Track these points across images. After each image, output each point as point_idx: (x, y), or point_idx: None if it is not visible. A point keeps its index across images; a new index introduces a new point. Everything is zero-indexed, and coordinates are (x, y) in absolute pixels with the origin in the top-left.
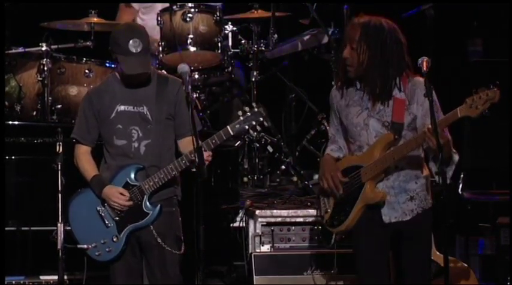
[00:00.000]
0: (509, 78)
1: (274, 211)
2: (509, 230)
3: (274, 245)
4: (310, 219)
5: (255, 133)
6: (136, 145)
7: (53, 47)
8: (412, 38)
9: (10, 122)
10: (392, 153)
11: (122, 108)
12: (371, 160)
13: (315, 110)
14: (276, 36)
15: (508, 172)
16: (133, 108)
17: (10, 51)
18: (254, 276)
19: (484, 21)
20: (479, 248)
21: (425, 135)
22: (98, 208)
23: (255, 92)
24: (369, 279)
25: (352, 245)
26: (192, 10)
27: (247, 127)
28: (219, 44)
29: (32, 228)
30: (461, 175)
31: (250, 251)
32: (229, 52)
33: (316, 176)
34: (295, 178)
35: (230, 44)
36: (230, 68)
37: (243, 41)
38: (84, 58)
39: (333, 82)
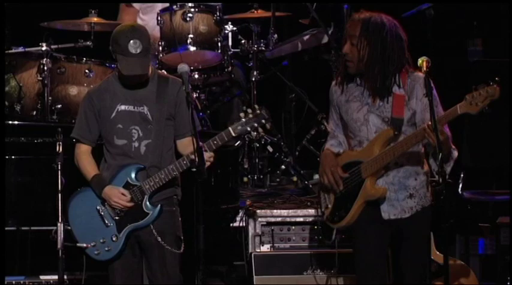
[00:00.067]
0: (509, 78)
1: (274, 210)
2: (509, 230)
3: (274, 245)
4: (310, 219)
5: (255, 133)
6: (136, 144)
7: (53, 46)
8: (412, 38)
9: (10, 122)
10: (392, 149)
11: (123, 107)
12: (371, 156)
13: (315, 110)
14: (276, 36)
15: (508, 172)
16: (134, 108)
17: (10, 51)
18: (254, 276)
19: (484, 21)
20: (479, 248)
21: (425, 132)
22: (98, 207)
23: (255, 92)
24: (367, 276)
25: (352, 243)
26: (192, 10)
27: (249, 128)
28: (219, 44)
29: (32, 228)
30: (461, 175)
31: (250, 251)
32: (229, 52)
33: (316, 176)
34: (295, 178)
35: (230, 43)
36: (230, 68)
37: (243, 41)
38: (84, 58)
39: (332, 84)
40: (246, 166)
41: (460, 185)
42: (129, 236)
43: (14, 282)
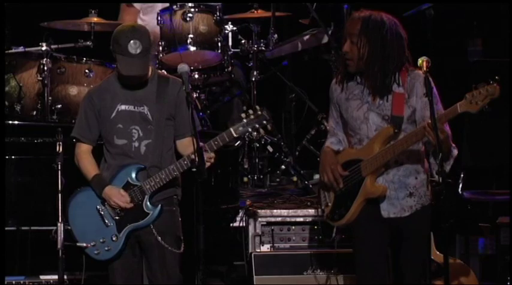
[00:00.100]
0: (509, 77)
1: (274, 210)
2: (509, 230)
3: (274, 245)
4: (310, 219)
5: (255, 133)
6: (136, 144)
7: (53, 46)
8: (412, 38)
9: (10, 122)
10: (392, 147)
11: (123, 107)
12: (371, 154)
13: (315, 110)
14: (276, 36)
15: (508, 171)
16: (134, 108)
17: (10, 51)
18: (254, 276)
19: (484, 21)
20: (479, 248)
21: (425, 130)
22: (98, 207)
23: (255, 92)
24: (367, 275)
25: (352, 242)
26: (192, 10)
27: (250, 129)
28: (219, 44)
29: (32, 228)
30: (461, 175)
31: (250, 251)
32: (229, 52)
33: (316, 176)
34: (295, 178)
35: (230, 43)
36: (230, 68)
37: (243, 41)
38: (84, 58)
39: (332, 82)
40: (246, 166)
41: (460, 185)
42: (129, 236)
43: (14, 282)
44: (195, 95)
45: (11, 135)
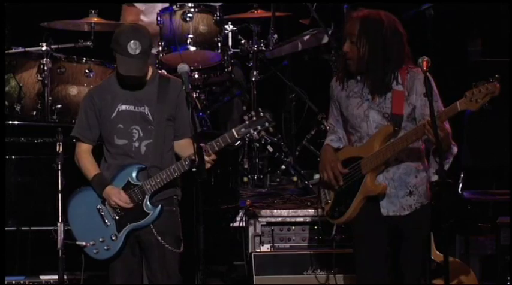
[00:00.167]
0: (509, 77)
1: (274, 210)
2: (509, 230)
3: (274, 245)
4: (310, 219)
5: (255, 133)
6: (137, 144)
7: (53, 46)
8: (412, 38)
9: (10, 122)
10: (392, 145)
11: (123, 107)
12: (371, 152)
13: (315, 110)
14: (276, 36)
15: (508, 172)
16: (135, 108)
17: (10, 51)
18: (254, 276)
19: (484, 21)
20: (479, 248)
21: (425, 128)
22: (98, 207)
23: (255, 92)
24: (367, 275)
25: (352, 242)
26: (192, 10)
27: (252, 131)
28: (219, 44)
29: (32, 228)
30: (461, 175)
31: (250, 251)
32: (229, 52)
33: (316, 176)
34: (295, 178)
35: (230, 43)
36: (230, 68)
37: (243, 41)
38: (84, 58)
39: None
40: (246, 166)
41: (460, 185)
42: (128, 235)
43: (14, 282)
44: (195, 95)
45: (11, 135)
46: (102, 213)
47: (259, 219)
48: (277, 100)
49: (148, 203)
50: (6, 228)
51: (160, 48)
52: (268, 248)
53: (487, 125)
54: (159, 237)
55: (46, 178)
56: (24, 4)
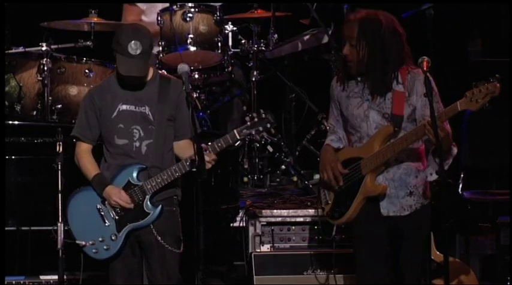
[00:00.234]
0: (509, 77)
1: (274, 210)
2: (509, 230)
3: (274, 245)
4: (310, 219)
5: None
6: (137, 144)
7: (53, 46)
8: (412, 38)
9: (10, 122)
10: (392, 145)
11: (124, 107)
12: (371, 152)
13: (315, 110)
14: (276, 36)
15: (508, 172)
16: (135, 108)
17: (10, 51)
18: (254, 276)
19: (484, 21)
20: (479, 248)
21: (425, 128)
22: (98, 206)
23: (255, 92)
24: (367, 275)
25: (352, 242)
26: (192, 10)
27: (254, 132)
28: (219, 44)
29: (32, 228)
30: (461, 175)
31: (250, 251)
32: (229, 52)
33: (316, 176)
34: (295, 178)
35: (230, 43)
36: (230, 68)
37: (243, 41)
38: (84, 58)
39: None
40: (246, 166)
41: (460, 185)
42: (128, 235)
43: (14, 282)
44: (195, 95)
45: (11, 135)
46: (102, 213)
47: (259, 219)
48: (277, 100)
49: (148, 203)
50: (6, 228)
51: (160, 48)
52: (268, 248)
53: (487, 125)
54: (159, 238)
55: (46, 178)
56: (24, 4)
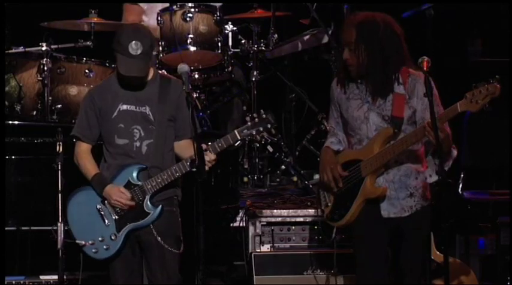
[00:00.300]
0: (509, 77)
1: (274, 210)
2: (509, 230)
3: (274, 245)
4: (310, 219)
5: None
6: (138, 144)
7: (53, 46)
8: (412, 38)
9: (10, 122)
10: (392, 147)
11: (124, 107)
12: (370, 154)
13: (315, 110)
14: (276, 36)
15: (508, 172)
16: (136, 108)
17: (10, 51)
18: (254, 276)
19: (484, 21)
20: (479, 248)
21: (425, 130)
22: (98, 206)
23: (255, 92)
24: (367, 276)
25: (352, 242)
26: (192, 10)
27: (254, 132)
28: (219, 44)
29: (32, 228)
30: (461, 175)
31: (250, 251)
32: (229, 52)
33: (316, 176)
34: (295, 178)
35: (230, 43)
36: (230, 68)
37: (243, 41)
38: (84, 58)
39: (333, 81)
40: (246, 166)
41: (460, 185)
42: (128, 235)
43: (14, 282)
44: (195, 95)
45: (11, 135)
46: (102, 212)
47: (259, 219)
48: (277, 100)
49: (148, 203)
50: (6, 228)
51: (160, 48)
52: (268, 248)
53: (487, 125)
54: (159, 238)
55: (46, 178)
56: (24, 4)
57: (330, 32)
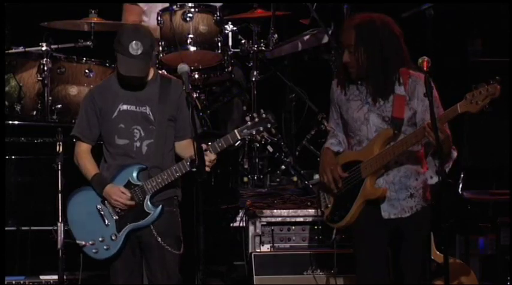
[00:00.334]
0: (509, 77)
1: (274, 210)
2: (509, 230)
3: (274, 245)
4: (310, 219)
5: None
6: (138, 144)
7: (53, 46)
8: (412, 38)
9: (10, 122)
10: (392, 148)
11: (125, 107)
12: (370, 156)
13: (315, 110)
14: (276, 36)
15: (508, 172)
16: (136, 108)
17: (10, 51)
18: (254, 276)
19: (484, 21)
20: (479, 248)
21: (425, 130)
22: (98, 206)
23: (255, 92)
24: (367, 276)
25: (352, 243)
26: (192, 10)
27: (254, 132)
28: (219, 44)
29: (32, 228)
30: (461, 175)
31: (250, 251)
32: (229, 52)
33: (316, 176)
34: (295, 178)
35: (230, 43)
36: (230, 68)
37: (243, 41)
38: (84, 58)
39: (333, 82)
40: (246, 166)
41: (460, 185)
42: (129, 235)
43: (14, 282)
44: (195, 95)
45: (11, 135)
46: (102, 213)
47: (259, 219)
48: (277, 100)
49: (149, 203)
50: (6, 228)
51: (160, 48)
52: (268, 248)
53: (487, 125)
54: (159, 239)
55: (46, 178)
56: (24, 4)
57: (330, 32)
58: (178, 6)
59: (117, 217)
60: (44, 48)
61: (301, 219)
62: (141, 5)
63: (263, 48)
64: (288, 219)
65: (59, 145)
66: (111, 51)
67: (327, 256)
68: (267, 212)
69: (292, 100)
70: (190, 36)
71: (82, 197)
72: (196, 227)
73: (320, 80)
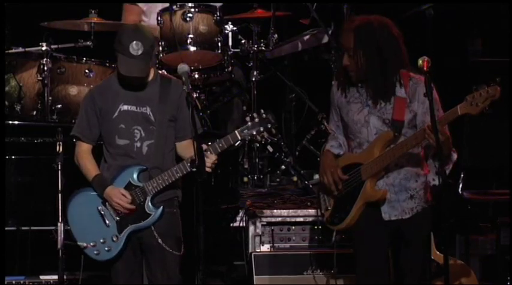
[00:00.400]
0: (509, 78)
1: (274, 211)
2: (509, 230)
3: (274, 245)
4: (310, 219)
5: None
6: (138, 145)
7: (53, 46)
8: (412, 38)
9: (10, 122)
10: (392, 151)
11: (125, 107)
12: (371, 158)
13: (315, 110)
14: (276, 36)
15: (508, 172)
16: (136, 108)
17: (10, 51)
18: (254, 276)
19: (484, 21)
20: (479, 248)
21: (425, 133)
22: (99, 208)
23: (255, 92)
24: (367, 277)
25: (352, 243)
26: (192, 10)
27: (254, 132)
28: (219, 44)
29: (32, 228)
30: (461, 175)
31: (250, 251)
32: (229, 52)
33: (316, 176)
34: (295, 178)
35: (230, 43)
36: (230, 68)
37: (243, 41)
38: (84, 58)
39: (333, 82)
40: (246, 166)
41: (460, 185)
42: (130, 236)
43: (14, 282)
44: (195, 95)
45: (11, 135)
46: (103, 214)
47: (259, 219)
48: (277, 100)
49: (149, 204)
50: (6, 228)
51: (160, 48)
52: (268, 248)
53: (487, 125)
54: (160, 240)
55: (46, 178)
56: (24, 4)
57: (330, 32)
58: (178, 6)
59: (118, 218)
60: (44, 48)
61: (301, 219)
62: (141, 5)
63: (263, 48)
64: (288, 219)
65: (59, 145)
66: (111, 51)
67: (327, 256)
68: (267, 212)
69: (292, 100)
70: (190, 36)
71: (82, 199)
72: (196, 227)
73: (320, 80)
